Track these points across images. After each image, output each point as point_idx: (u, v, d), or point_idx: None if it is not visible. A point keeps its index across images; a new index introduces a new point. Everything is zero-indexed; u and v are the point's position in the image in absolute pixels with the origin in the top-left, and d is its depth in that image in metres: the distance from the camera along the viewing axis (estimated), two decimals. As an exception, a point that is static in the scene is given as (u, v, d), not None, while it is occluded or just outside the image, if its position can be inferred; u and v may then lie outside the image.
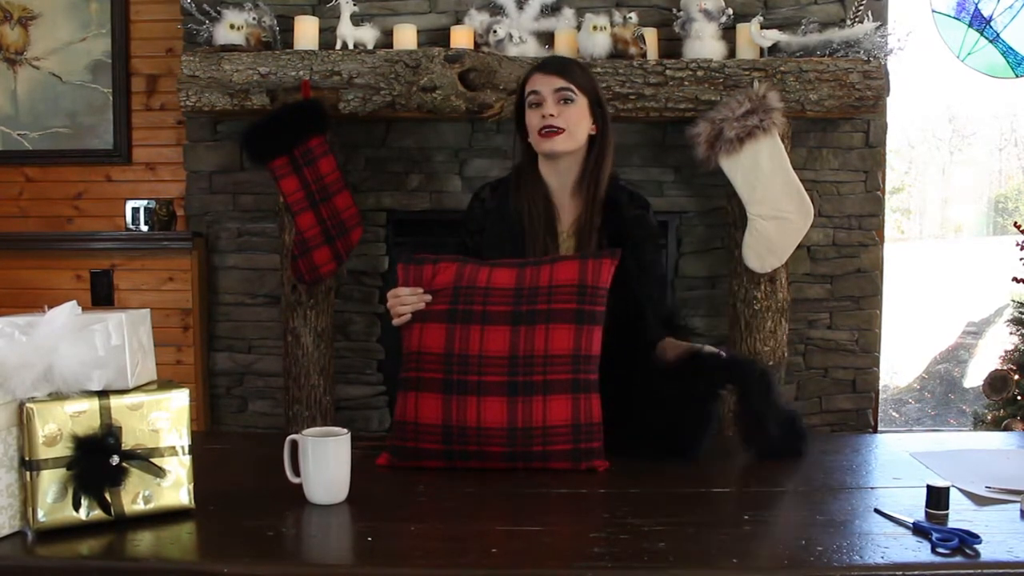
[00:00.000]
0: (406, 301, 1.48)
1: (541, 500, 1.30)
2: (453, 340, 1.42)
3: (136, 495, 1.17)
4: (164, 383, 1.25)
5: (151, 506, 1.18)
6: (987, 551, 1.07)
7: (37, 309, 1.18)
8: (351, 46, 2.71)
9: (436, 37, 2.85)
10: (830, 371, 2.97)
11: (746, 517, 1.20)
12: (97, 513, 1.14)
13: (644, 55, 2.70)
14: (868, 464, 1.51)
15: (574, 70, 1.76)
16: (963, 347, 5.95)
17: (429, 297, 1.48)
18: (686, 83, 2.65)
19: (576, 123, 1.72)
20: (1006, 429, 2.91)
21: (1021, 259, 3.02)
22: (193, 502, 1.21)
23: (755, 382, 1.49)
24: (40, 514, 1.11)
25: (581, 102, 1.73)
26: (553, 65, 1.77)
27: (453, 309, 1.45)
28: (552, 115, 1.70)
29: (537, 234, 1.74)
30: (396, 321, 1.50)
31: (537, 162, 1.79)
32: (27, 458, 1.11)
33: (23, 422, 1.11)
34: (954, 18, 3.12)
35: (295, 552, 1.13)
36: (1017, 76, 3.11)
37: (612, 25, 2.68)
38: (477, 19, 2.76)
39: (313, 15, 2.80)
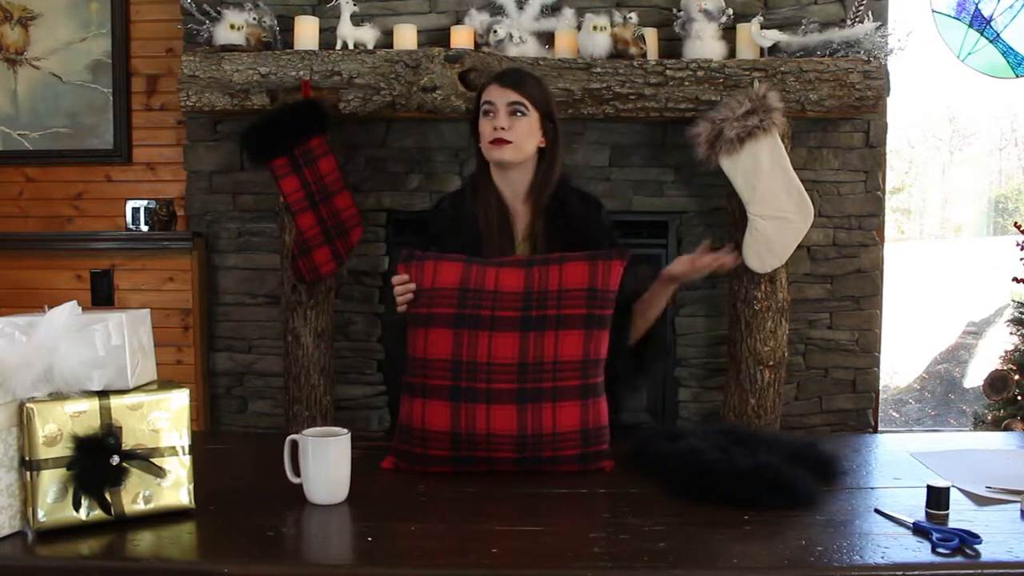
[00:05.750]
0: (410, 288, 1.50)
1: (541, 500, 1.30)
2: (461, 346, 1.41)
3: (136, 495, 1.17)
4: (164, 383, 1.26)
5: (151, 506, 1.18)
6: (987, 551, 1.07)
7: (37, 309, 1.18)
8: (351, 46, 2.71)
9: (436, 37, 2.85)
10: (830, 371, 2.97)
11: (746, 517, 1.20)
12: (97, 513, 1.14)
13: (644, 55, 2.70)
14: (868, 464, 1.51)
15: (529, 85, 1.82)
16: (963, 347, 5.95)
17: (413, 285, 1.49)
18: (686, 83, 2.65)
19: (524, 136, 1.78)
20: (1006, 429, 2.91)
21: (1021, 259, 3.03)
22: (193, 502, 1.21)
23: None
24: (40, 514, 1.11)
25: (532, 116, 1.79)
26: (509, 78, 1.83)
27: (460, 314, 1.44)
28: (503, 127, 1.76)
29: (493, 238, 1.79)
30: (403, 308, 1.51)
31: (490, 169, 1.84)
32: (27, 458, 1.11)
33: (23, 422, 1.11)
34: (954, 18, 3.12)
35: (295, 552, 1.13)
36: (1017, 76, 3.11)
37: (612, 25, 2.67)
38: (477, 19, 2.76)
39: (313, 15, 2.80)
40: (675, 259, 1.80)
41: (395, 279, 1.53)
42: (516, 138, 1.76)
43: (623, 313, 1.76)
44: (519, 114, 1.77)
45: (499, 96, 1.78)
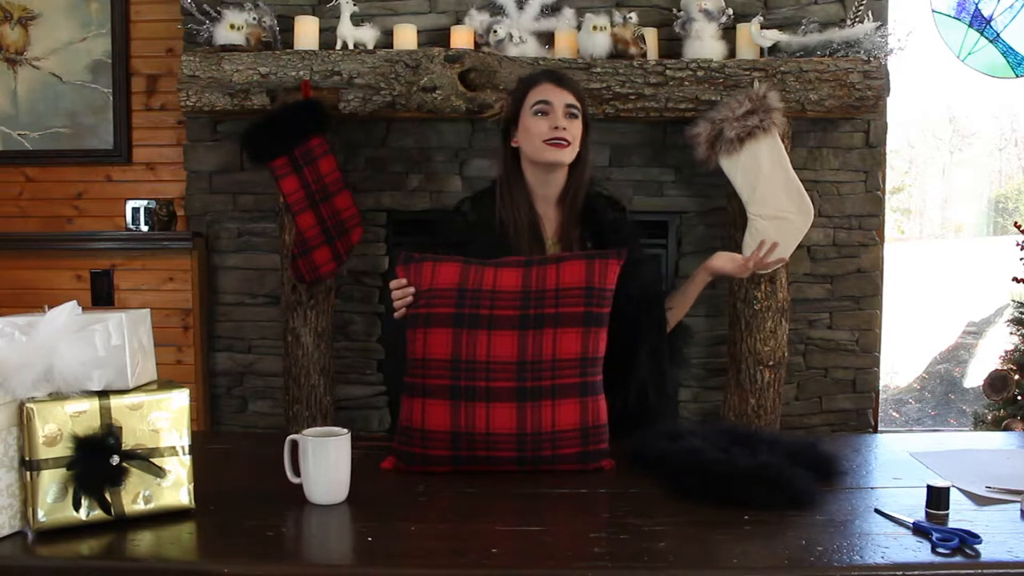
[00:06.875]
0: (408, 292, 1.49)
1: (541, 500, 1.30)
2: (460, 345, 1.41)
3: (136, 495, 1.17)
4: (164, 383, 1.26)
5: (151, 506, 1.18)
6: (987, 551, 1.07)
7: (37, 309, 1.18)
8: (351, 46, 2.71)
9: (436, 37, 2.85)
10: (830, 371, 2.97)
11: (746, 517, 1.20)
12: (97, 513, 1.14)
13: (644, 55, 2.70)
14: (868, 464, 1.51)
15: (580, 90, 1.84)
16: (963, 347, 5.95)
17: (411, 289, 1.49)
18: (686, 83, 2.65)
19: (577, 138, 1.79)
20: (1006, 429, 2.91)
21: (1021, 259, 3.03)
22: (193, 502, 1.21)
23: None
24: (40, 514, 1.11)
25: (580, 120, 1.80)
26: (565, 80, 1.83)
27: (459, 313, 1.44)
28: (564, 127, 1.75)
29: (523, 243, 1.77)
30: (401, 313, 1.51)
31: (521, 170, 1.82)
32: (27, 458, 1.11)
33: (23, 422, 1.11)
34: (954, 18, 3.12)
35: (295, 552, 1.13)
36: (1017, 76, 3.11)
37: (612, 25, 2.68)
38: (477, 19, 2.76)
39: (313, 15, 2.80)
40: (720, 254, 1.89)
41: (393, 283, 1.53)
42: (573, 140, 1.77)
43: (659, 312, 1.80)
44: (573, 116, 1.78)
45: (556, 96, 1.77)
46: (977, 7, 3.09)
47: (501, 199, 1.81)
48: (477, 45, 2.75)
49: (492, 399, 1.39)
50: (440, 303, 1.46)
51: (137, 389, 1.20)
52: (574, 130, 1.77)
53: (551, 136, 1.74)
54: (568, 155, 1.77)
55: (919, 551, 1.08)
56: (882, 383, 3.41)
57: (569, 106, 1.77)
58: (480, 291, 1.46)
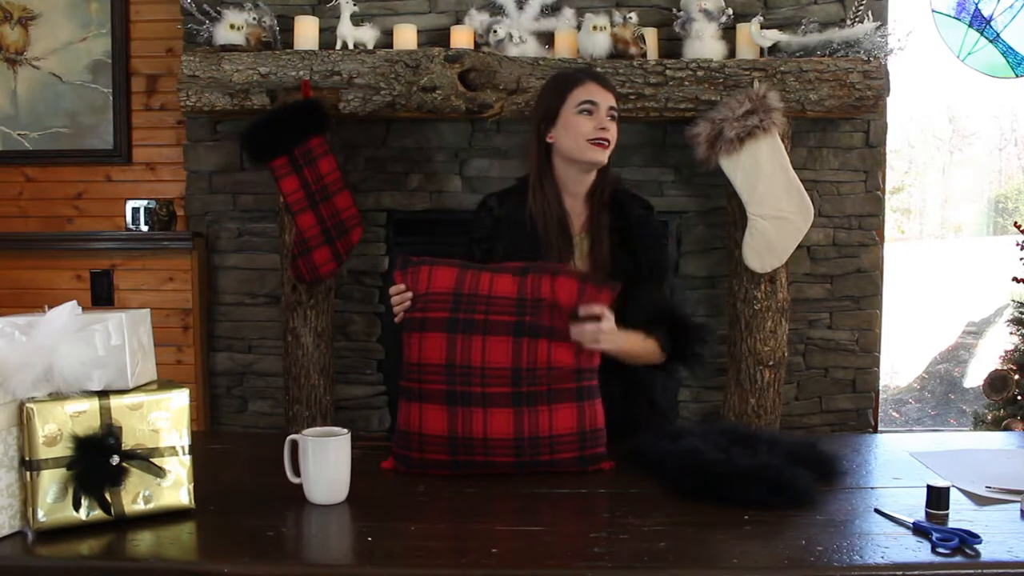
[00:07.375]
0: (407, 297, 1.49)
1: (541, 500, 1.30)
2: (454, 351, 1.41)
3: (136, 495, 1.17)
4: (164, 383, 1.26)
5: (151, 506, 1.18)
6: (987, 551, 1.07)
7: (37, 309, 1.18)
8: (351, 46, 2.71)
9: (436, 37, 2.85)
10: (830, 371, 2.97)
11: (746, 517, 1.20)
12: (97, 513, 1.14)
13: (644, 55, 2.70)
14: (868, 464, 1.51)
15: (617, 92, 1.87)
16: (963, 347, 5.95)
17: (410, 294, 1.49)
18: (686, 83, 2.65)
19: (614, 140, 1.81)
20: (1006, 429, 2.91)
21: (1021, 259, 3.03)
22: (193, 502, 1.21)
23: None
24: (40, 514, 1.11)
25: (615, 122, 1.83)
26: (608, 82, 1.85)
27: (454, 318, 1.44)
28: (608, 128, 1.78)
29: (551, 237, 1.79)
30: (400, 319, 1.51)
31: (552, 166, 1.83)
32: (27, 458, 1.11)
33: (23, 422, 1.11)
34: (954, 18, 3.12)
35: (295, 552, 1.13)
36: (1017, 76, 3.11)
37: (612, 25, 2.68)
38: (477, 19, 2.76)
39: (313, 15, 2.80)
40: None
41: (392, 290, 1.53)
42: (613, 140, 1.79)
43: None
44: (613, 119, 1.80)
45: (602, 98, 1.79)
46: (977, 7, 3.09)
47: (533, 195, 1.82)
48: (477, 45, 2.75)
49: (488, 404, 1.39)
50: (436, 307, 1.46)
51: (137, 389, 1.20)
52: (614, 131, 1.80)
53: (596, 136, 1.76)
54: (607, 155, 1.80)
55: (919, 551, 1.08)
56: (882, 383, 3.42)
57: (612, 108, 1.80)
58: (476, 296, 1.46)
